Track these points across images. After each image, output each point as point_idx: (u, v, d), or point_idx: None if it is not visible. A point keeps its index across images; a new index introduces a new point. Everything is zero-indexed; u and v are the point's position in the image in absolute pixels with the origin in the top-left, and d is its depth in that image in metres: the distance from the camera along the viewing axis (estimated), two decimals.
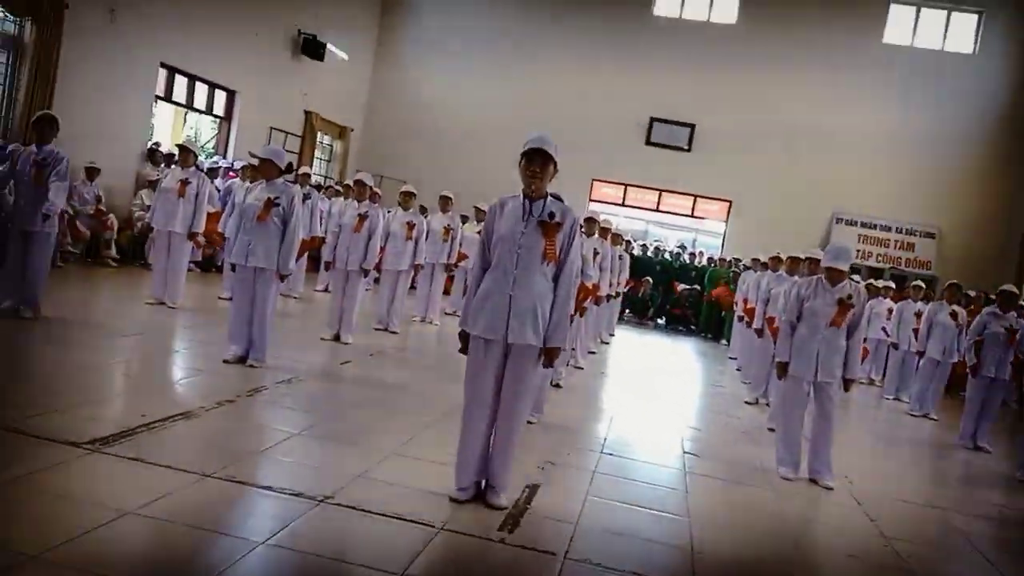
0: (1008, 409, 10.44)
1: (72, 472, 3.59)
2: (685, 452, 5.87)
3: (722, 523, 4.53)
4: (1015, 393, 10.34)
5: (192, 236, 8.30)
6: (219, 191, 11.34)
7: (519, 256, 3.87)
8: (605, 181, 18.01)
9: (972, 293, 12.31)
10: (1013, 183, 16.57)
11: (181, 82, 13.16)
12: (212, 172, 12.25)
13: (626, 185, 18.04)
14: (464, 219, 11.75)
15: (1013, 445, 7.54)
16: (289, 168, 6.28)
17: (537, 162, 3.84)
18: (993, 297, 8.99)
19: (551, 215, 3.89)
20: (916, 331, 10.16)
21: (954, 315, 9.45)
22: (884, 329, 11.22)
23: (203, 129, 18.60)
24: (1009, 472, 7.01)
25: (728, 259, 15.83)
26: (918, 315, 10.30)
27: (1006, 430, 8.77)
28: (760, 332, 8.50)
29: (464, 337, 3.99)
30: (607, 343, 11.64)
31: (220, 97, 14.23)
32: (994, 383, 8.04)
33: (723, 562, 3.85)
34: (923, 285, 11.46)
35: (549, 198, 3.96)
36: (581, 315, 7.59)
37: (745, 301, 10.39)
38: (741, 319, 10.87)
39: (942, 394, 9.76)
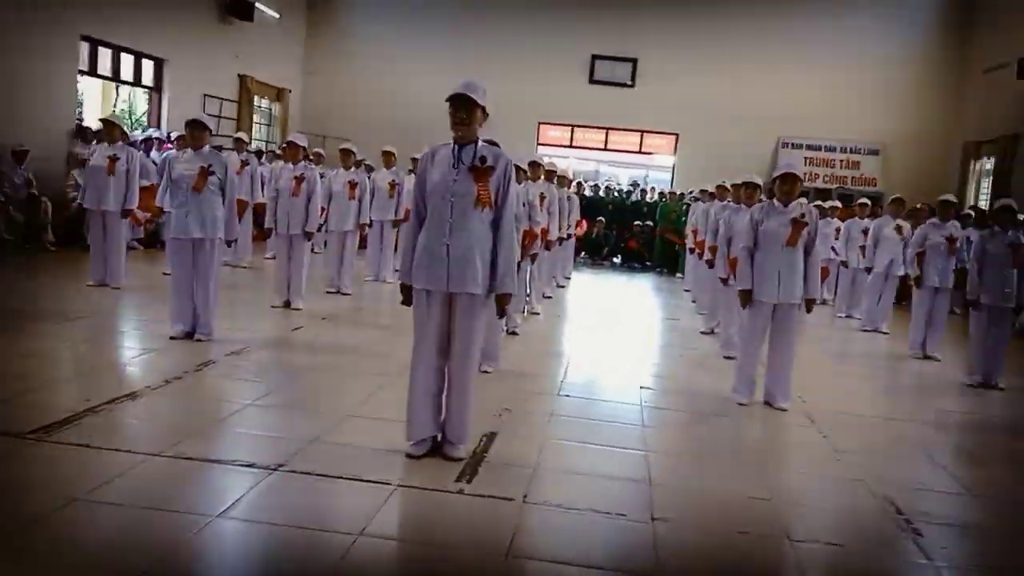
0: (954, 317, 10.69)
1: (16, 462, 3.52)
2: (642, 387, 5.93)
3: (679, 453, 4.60)
4: (959, 300, 10.59)
5: (127, 213, 8.09)
6: (155, 164, 11.07)
7: (453, 204, 3.81)
8: (552, 124, 17.87)
9: (918, 206, 12.49)
10: (952, 94, 16.76)
11: (105, 54, 12.66)
12: (147, 144, 11.94)
13: (572, 126, 17.91)
14: (411, 172, 11.56)
15: (961, 352, 7.73)
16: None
17: (462, 108, 3.77)
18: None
19: (482, 159, 3.83)
20: (863, 248, 10.32)
21: (899, 229, 9.61)
22: (833, 248, 11.37)
23: (138, 102, 18.06)
24: (957, 378, 7.20)
25: (679, 192, 15.88)
26: (865, 232, 10.45)
27: (954, 338, 8.98)
28: (711, 263, 8.57)
29: (405, 289, 3.95)
30: (563, 287, 11.67)
31: (148, 67, 13.73)
32: (938, 293, 8.21)
33: (680, 490, 3.91)
34: (868, 202, 11.61)
35: (481, 143, 3.90)
36: (532, 261, 7.58)
37: (695, 233, 10.45)
38: (693, 251, 10.94)
39: (891, 308, 9.96)
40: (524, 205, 6.45)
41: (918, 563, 3.35)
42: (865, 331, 9.80)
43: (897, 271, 9.58)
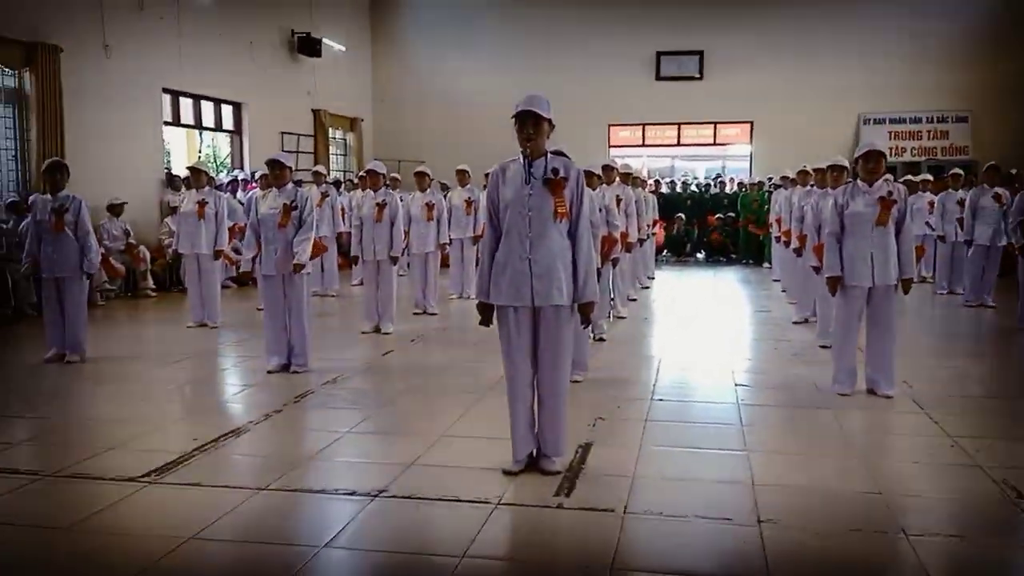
0: None
1: (132, 507, 3.67)
2: (737, 384, 5.81)
3: (781, 451, 4.48)
4: None
5: (218, 254, 8.41)
6: (242, 204, 11.48)
7: (531, 219, 3.82)
8: (621, 125, 17.76)
9: (1014, 171, 11.88)
10: None
11: (186, 104, 13.25)
12: (233, 185, 12.40)
13: (643, 125, 17.76)
14: (444, 188, 11.51)
15: None
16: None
17: (529, 123, 3.78)
18: None
19: (555, 171, 3.83)
20: (961, 220, 9.88)
21: (997, 197, 9.18)
22: (928, 224, 10.93)
23: (221, 145, 18.77)
24: None
25: (757, 181, 15.53)
26: (960, 203, 10.02)
27: None
28: (799, 251, 8.34)
29: (482, 308, 3.97)
30: (647, 287, 11.55)
31: (227, 111, 14.30)
32: None
33: (785, 490, 3.80)
34: (962, 172, 11.09)
35: (550, 155, 3.90)
36: (614, 266, 7.52)
37: (779, 221, 10.20)
38: (779, 240, 10.67)
39: (995, 280, 9.49)
40: (601, 210, 6.42)
41: None
42: (970, 306, 9.37)
43: (1000, 241, 9.13)
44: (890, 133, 16.39)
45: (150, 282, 10.84)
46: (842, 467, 4.15)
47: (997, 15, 16.06)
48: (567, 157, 4.00)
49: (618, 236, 7.12)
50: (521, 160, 3.89)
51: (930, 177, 12.16)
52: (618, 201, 8.05)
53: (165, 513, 3.60)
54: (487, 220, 4.01)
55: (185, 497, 3.73)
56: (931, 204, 10.96)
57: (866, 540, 3.29)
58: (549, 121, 3.83)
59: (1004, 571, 3.08)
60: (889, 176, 5.53)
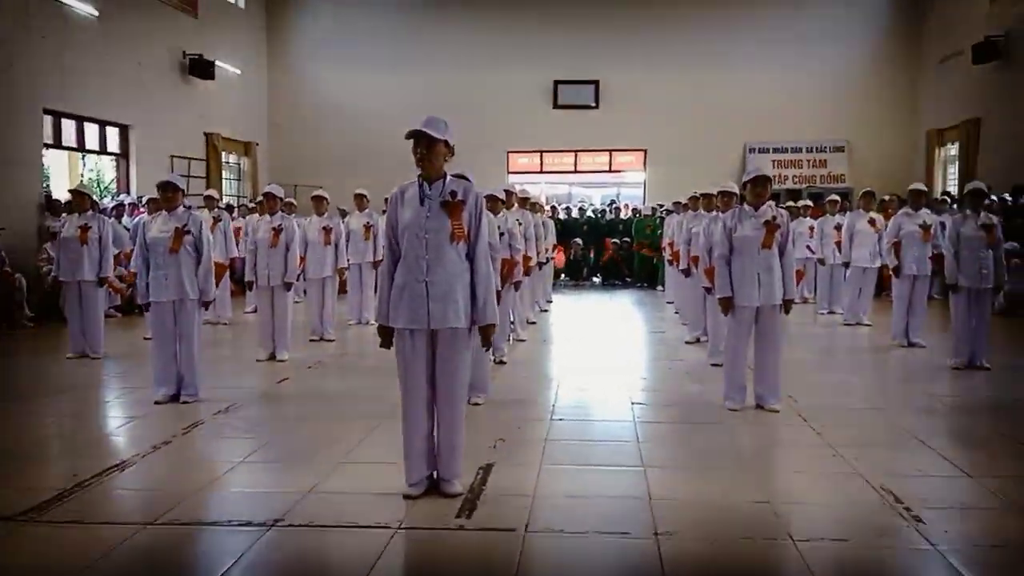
0: (935, 303, 10.79)
1: (10, 546, 3.46)
2: (634, 403, 5.94)
3: (677, 465, 4.59)
4: (939, 286, 10.68)
5: (103, 281, 8.06)
6: (128, 229, 11.04)
7: (427, 241, 3.82)
8: (520, 151, 18.03)
9: (887, 198, 12.64)
10: (911, 86, 17.10)
11: (69, 125, 12.68)
12: (118, 210, 11.91)
13: (541, 152, 18.08)
14: (343, 213, 11.47)
15: (944, 337, 7.79)
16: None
17: (422, 144, 3.79)
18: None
19: (452, 194, 3.84)
20: (839, 243, 10.42)
21: (872, 222, 9.72)
22: (808, 247, 11.47)
23: (105, 169, 18.03)
24: (943, 363, 7.25)
25: (652, 207, 16.01)
26: (838, 228, 10.57)
27: (936, 323, 9.06)
28: (687, 272, 8.63)
29: (382, 331, 3.95)
30: (546, 310, 11.69)
31: (113, 134, 13.75)
32: (917, 280, 8.30)
33: (681, 503, 3.90)
34: (838, 199, 11.74)
35: (450, 178, 3.92)
36: (516, 289, 7.59)
37: (671, 245, 10.52)
38: (671, 263, 11.00)
39: (872, 299, 10.04)
40: (503, 234, 6.48)
41: (922, 549, 3.35)
42: (848, 325, 9.87)
43: (875, 263, 9.67)
44: (773, 162, 17.20)
45: (26, 311, 10.27)
46: (733, 479, 4.29)
47: (872, 52, 17.13)
48: (468, 180, 4.03)
49: (520, 259, 7.21)
50: (418, 182, 3.89)
51: (810, 203, 12.79)
52: (517, 225, 8.16)
53: (43, 554, 3.40)
54: (386, 243, 3.99)
55: (64, 536, 3.53)
56: (811, 229, 11.52)
57: (757, 547, 3.41)
58: (446, 143, 3.85)
59: (885, 572, 3.24)
60: (772, 202, 5.79)
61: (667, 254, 11.25)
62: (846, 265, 10.02)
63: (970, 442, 5.05)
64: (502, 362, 7.31)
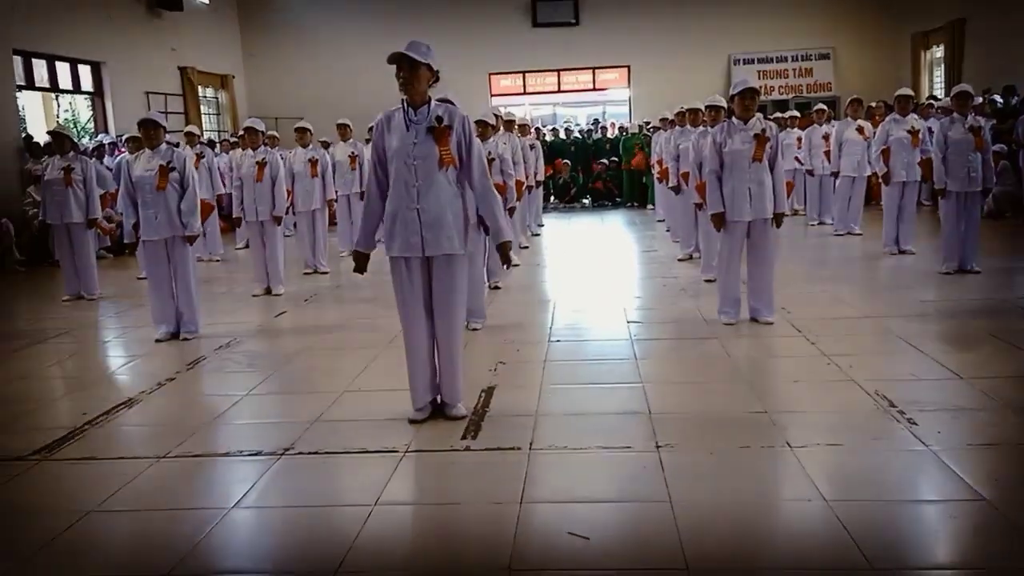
0: (925, 209, 10.85)
1: (24, 485, 3.52)
2: (629, 321, 6.01)
3: (674, 379, 4.69)
4: (928, 192, 10.73)
5: (92, 223, 8.00)
6: (110, 169, 10.89)
7: (416, 168, 3.80)
8: (502, 73, 17.74)
9: (874, 104, 12.55)
10: None
11: (40, 65, 12.38)
12: (99, 151, 11.72)
13: (523, 72, 17.80)
14: (368, 142, 11.40)
15: (935, 242, 7.86)
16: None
17: (404, 68, 3.73)
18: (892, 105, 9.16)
19: (439, 119, 3.80)
20: (827, 153, 10.40)
21: (860, 130, 9.68)
22: (797, 158, 11.44)
23: (81, 109, 17.66)
24: (934, 269, 7.33)
25: (639, 124, 15.85)
26: (826, 137, 10.55)
27: (926, 229, 9.13)
28: (676, 189, 8.62)
29: (357, 256, 3.98)
30: (537, 234, 11.69)
31: (86, 72, 13.44)
32: (907, 186, 8.32)
33: (679, 416, 3.99)
34: (825, 108, 11.64)
35: (434, 103, 3.88)
36: (510, 214, 7.57)
37: (660, 162, 10.47)
38: (660, 180, 10.97)
39: (862, 208, 10.06)
40: (493, 160, 6.44)
41: (916, 450, 3.45)
42: (839, 235, 9.92)
43: (864, 172, 9.66)
44: (759, 73, 16.97)
45: (16, 255, 10.20)
46: (730, 391, 4.39)
47: None
48: (453, 105, 3.98)
49: (512, 184, 7.18)
50: (403, 107, 3.85)
51: (798, 114, 12.70)
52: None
53: (60, 489, 3.47)
54: (371, 170, 3.96)
55: (80, 472, 3.61)
56: (799, 140, 11.47)
57: (755, 455, 3.51)
58: (429, 67, 3.78)
59: (880, 472, 3.34)
60: (760, 115, 5.74)
61: (656, 171, 11.20)
62: (835, 175, 10.01)
63: (961, 345, 5.16)
64: (497, 287, 7.35)
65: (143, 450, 3.80)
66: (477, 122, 5.27)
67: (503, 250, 3.99)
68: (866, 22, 16.78)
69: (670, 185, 8.91)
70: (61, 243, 7.99)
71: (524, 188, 9.21)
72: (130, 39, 13.98)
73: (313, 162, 8.95)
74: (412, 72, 3.74)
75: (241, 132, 9.18)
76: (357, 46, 16.48)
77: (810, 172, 11.10)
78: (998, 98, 11.99)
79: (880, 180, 8.46)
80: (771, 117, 10.74)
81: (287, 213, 8.26)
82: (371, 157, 3.97)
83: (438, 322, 3.96)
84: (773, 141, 5.62)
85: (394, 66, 3.75)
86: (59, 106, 16.07)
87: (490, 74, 17.58)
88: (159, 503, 3.26)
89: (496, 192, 4.04)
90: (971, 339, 5.26)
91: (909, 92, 8.61)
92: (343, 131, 10.22)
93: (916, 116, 8.55)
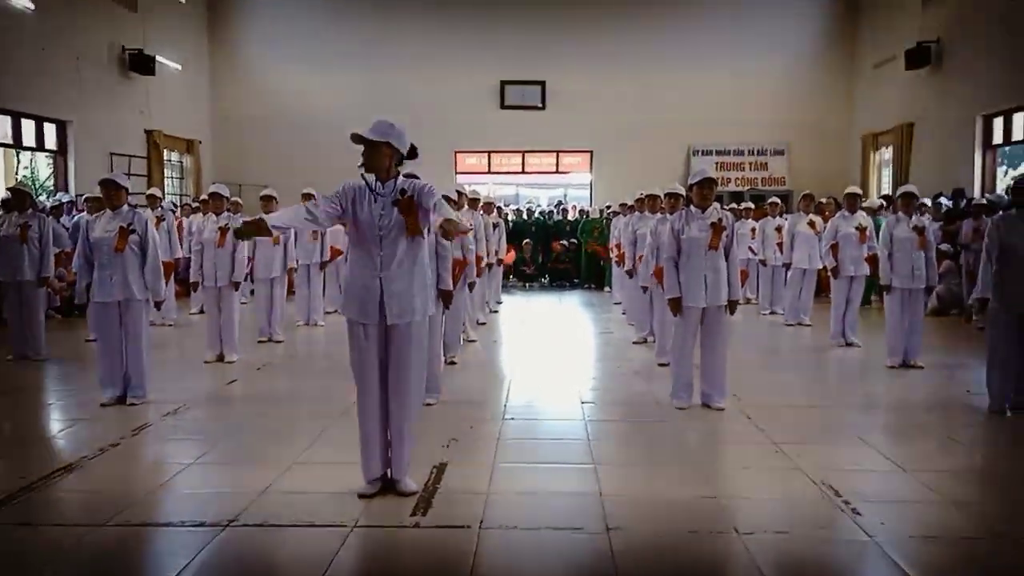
0: (872, 303, 11.17)
1: None
2: (583, 402, 6.05)
3: (626, 461, 4.71)
4: (875, 288, 11.04)
5: (43, 281, 7.88)
6: (67, 229, 10.77)
7: (382, 238, 3.88)
8: (468, 151, 18.07)
9: (824, 200, 13.00)
10: (847, 90, 17.61)
11: (4, 121, 12.32)
12: (57, 210, 11.61)
13: (489, 152, 18.15)
14: None
15: (881, 336, 8.07)
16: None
17: (366, 150, 3.86)
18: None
19: (402, 192, 3.90)
20: (780, 245, 10.70)
21: (812, 224, 10.00)
22: (751, 248, 11.74)
23: (40, 166, 17.56)
24: (879, 362, 7.52)
25: (599, 208, 16.19)
26: (779, 229, 10.86)
27: (872, 325, 9.37)
28: (631, 273, 8.78)
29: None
30: (496, 311, 11.76)
31: (50, 130, 13.38)
32: (853, 281, 8.58)
33: (630, 498, 4.01)
34: (779, 201, 12.02)
35: (400, 178, 3.97)
36: (470, 289, 7.64)
37: (618, 246, 10.68)
38: (618, 264, 11.16)
39: (812, 300, 10.32)
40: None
41: (860, 540, 3.51)
42: (789, 325, 10.13)
43: (815, 264, 9.94)
44: (717, 163, 17.54)
45: None
46: (680, 474, 4.42)
47: (810, 58, 17.61)
48: (417, 178, 4.10)
49: (472, 260, 7.27)
50: (372, 181, 3.93)
51: (752, 205, 13.09)
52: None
53: None
54: (317, 207, 3.94)
55: (15, 537, 3.49)
56: (753, 231, 11.80)
57: (703, 540, 3.53)
58: (389, 144, 3.87)
59: (826, 562, 3.38)
60: (717, 204, 5.94)
61: (614, 255, 11.40)
62: (787, 266, 10.29)
63: (905, 438, 5.27)
64: (453, 362, 7.36)
65: (82, 517, 3.70)
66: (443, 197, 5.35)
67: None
68: (820, 121, 17.53)
69: (626, 269, 9.09)
70: (11, 301, 7.83)
71: (484, 265, 9.32)
72: (99, 100, 14.02)
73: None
74: (372, 150, 3.86)
75: (203, 197, 9.22)
76: (326, 115, 16.69)
77: (763, 262, 11.40)
78: (944, 200, 12.51)
79: (829, 273, 8.71)
80: (727, 207, 11.06)
81: (245, 280, 8.22)
82: (323, 205, 3.93)
83: (392, 389, 3.97)
84: (729, 230, 5.80)
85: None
86: (18, 162, 15.97)
87: (456, 151, 17.91)
88: (94, 574, 3.16)
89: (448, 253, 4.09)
90: (914, 432, 5.38)
91: (857, 191, 8.96)
92: (307, 201, 10.25)
93: (864, 214, 8.87)
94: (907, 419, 5.74)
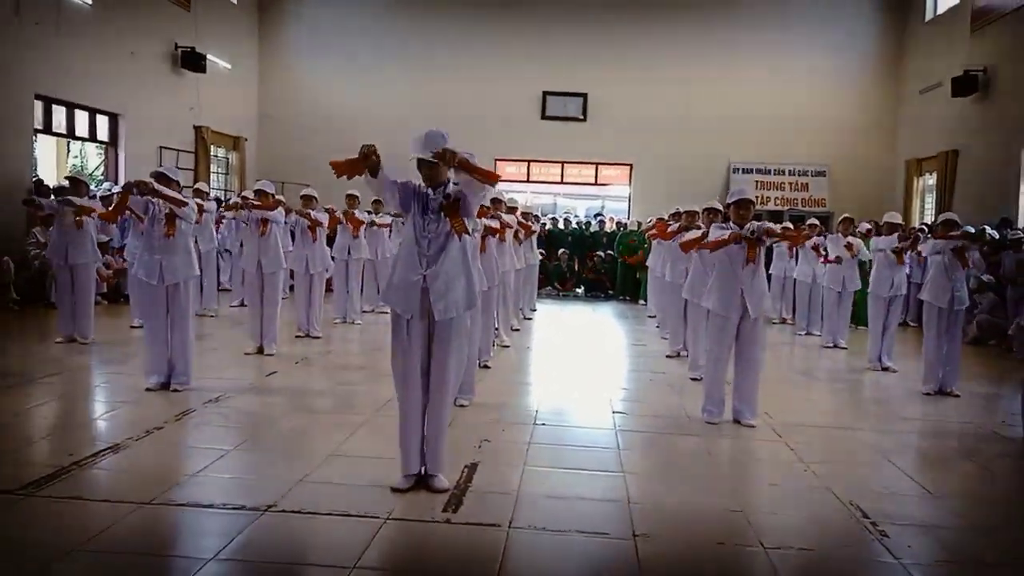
0: (909, 328, 11.07)
1: (9, 519, 3.56)
2: (615, 412, 6.10)
3: (654, 473, 4.76)
4: (914, 312, 10.96)
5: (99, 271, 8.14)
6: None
7: (428, 240, 4.02)
8: (508, 160, 18.19)
9: (867, 224, 12.92)
10: (892, 113, 17.46)
11: (60, 111, 12.69)
12: (107, 200, 11.91)
13: (528, 161, 18.27)
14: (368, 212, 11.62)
15: (916, 362, 8.02)
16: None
17: (424, 168, 4.02)
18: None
19: (447, 196, 4.03)
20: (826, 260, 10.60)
21: (848, 247, 9.95)
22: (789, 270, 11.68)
23: (89, 156, 18.01)
24: (915, 387, 7.47)
25: (637, 221, 16.20)
26: (815, 248, 10.79)
27: (910, 349, 9.31)
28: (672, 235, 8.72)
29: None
30: (530, 318, 11.84)
31: (103, 122, 13.77)
32: (891, 304, 8.52)
33: (656, 507, 4.07)
34: (817, 222, 11.96)
35: (451, 183, 4.09)
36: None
37: (660, 221, 10.64)
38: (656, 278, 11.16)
39: (848, 322, 10.26)
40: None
41: (886, 562, 3.53)
42: (827, 347, 10.07)
43: (851, 287, 9.88)
44: (757, 182, 17.48)
45: (13, 293, 10.28)
46: (708, 487, 4.46)
47: (855, 80, 17.51)
48: None
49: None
50: (423, 186, 4.07)
51: (790, 225, 13.01)
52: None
53: (45, 526, 3.50)
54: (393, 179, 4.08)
55: (65, 510, 3.64)
56: (790, 250, 11.74)
57: (729, 552, 3.58)
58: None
59: None
60: (755, 222, 5.98)
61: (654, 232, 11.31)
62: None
63: (936, 464, 5.26)
64: (486, 367, 7.45)
65: (128, 495, 3.84)
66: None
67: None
68: (862, 145, 17.43)
69: (670, 230, 9.04)
70: (62, 285, 8.08)
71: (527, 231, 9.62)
72: (150, 95, 14.37)
73: (314, 227, 9.13)
74: (432, 168, 4.01)
75: (243, 193, 9.47)
76: (369, 119, 16.92)
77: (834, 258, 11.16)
78: (989, 230, 12.32)
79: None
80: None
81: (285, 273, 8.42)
82: (400, 185, 4.06)
83: (433, 388, 4.08)
84: (765, 246, 5.87)
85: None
86: (69, 152, 16.39)
87: (496, 159, 18.05)
88: (141, 548, 3.30)
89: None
90: (945, 459, 5.37)
91: (897, 219, 8.88)
92: (351, 201, 10.46)
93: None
94: (939, 445, 5.73)
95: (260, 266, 7.90)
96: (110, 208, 7.08)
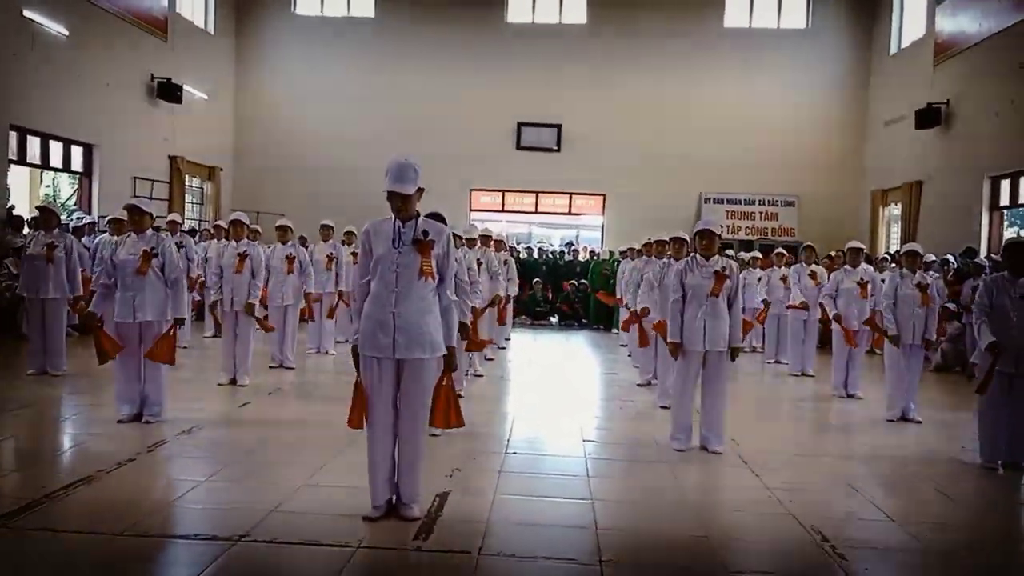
0: (875, 356, 11.27)
1: None
2: (585, 440, 6.20)
3: (623, 500, 4.85)
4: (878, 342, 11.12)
5: (77, 301, 8.13)
6: (88, 248, 11.04)
7: (398, 275, 4.07)
8: (483, 190, 18.40)
9: (833, 254, 13.20)
10: (858, 146, 17.90)
11: (34, 142, 12.71)
12: (78, 231, 11.91)
13: (503, 191, 18.47)
14: (344, 243, 11.68)
15: (880, 389, 8.19)
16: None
17: (397, 199, 4.07)
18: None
19: (424, 233, 4.10)
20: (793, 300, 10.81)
21: (813, 275, 10.18)
22: (765, 301, 11.86)
23: (62, 186, 17.97)
24: (878, 414, 7.64)
25: (610, 251, 16.42)
26: (784, 279, 11.02)
27: (874, 376, 9.49)
28: (635, 317, 8.85)
29: (355, 353, 4.16)
30: (504, 348, 11.92)
31: (77, 153, 13.79)
32: (857, 334, 8.71)
33: (625, 534, 4.16)
34: (784, 252, 12.18)
35: (422, 218, 4.18)
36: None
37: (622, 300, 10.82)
38: (626, 308, 11.30)
39: (815, 350, 10.44)
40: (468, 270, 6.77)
41: None
42: (795, 375, 10.24)
43: (815, 315, 10.07)
44: (727, 212, 17.81)
45: None
46: (674, 513, 4.57)
47: (822, 112, 17.93)
48: (442, 220, 4.32)
49: (503, 297, 7.50)
50: (393, 220, 4.14)
51: (759, 255, 13.27)
52: (479, 264, 8.50)
53: (18, 559, 3.53)
54: (359, 264, 4.22)
55: (38, 542, 3.66)
56: (760, 280, 11.94)
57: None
58: (419, 189, 4.12)
59: None
60: (724, 254, 6.14)
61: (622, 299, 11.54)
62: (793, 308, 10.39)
63: (896, 490, 5.39)
64: (460, 396, 7.49)
65: (100, 526, 3.87)
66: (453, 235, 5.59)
67: (447, 359, 4.21)
68: (830, 176, 17.82)
69: (629, 311, 9.22)
70: (34, 317, 8.07)
71: (503, 301, 9.60)
72: (125, 125, 14.42)
73: (290, 259, 9.19)
74: (405, 200, 4.08)
75: (218, 223, 9.50)
76: (344, 149, 17.22)
77: (765, 303, 11.38)
78: (952, 259, 12.62)
79: (832, 320, 8.77)
80: (735, 256, 11.24)
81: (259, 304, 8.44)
82: (361, 257, 4.21)
83: (403, 422, 4.15)
84: (733, 280, 6.00)
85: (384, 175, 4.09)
86: (41, 182, 16.34)
87: (471, 189, 18.25)
88: None
89: (455, 311, 4.31)
90: (906, 485, 5.50)
91: (860, 245, 9.08)
92: (325, 232, 10.55)
93: (867, 268, 9.00)
94: (900, 471, 5.85)
95: (234, 302, 7.93)
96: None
